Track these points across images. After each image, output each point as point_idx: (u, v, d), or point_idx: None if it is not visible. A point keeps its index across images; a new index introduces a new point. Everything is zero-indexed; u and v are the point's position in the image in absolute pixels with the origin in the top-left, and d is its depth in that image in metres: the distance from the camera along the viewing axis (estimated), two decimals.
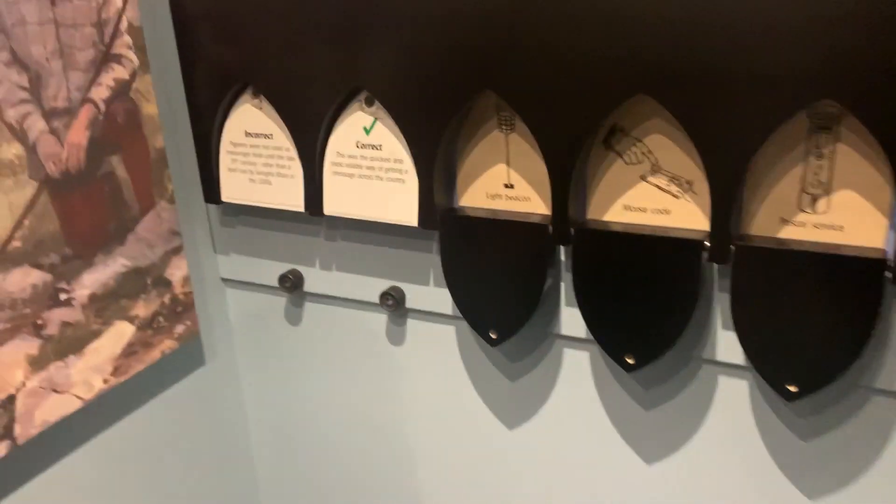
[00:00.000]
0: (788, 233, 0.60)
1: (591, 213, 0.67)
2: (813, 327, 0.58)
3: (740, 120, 0.55)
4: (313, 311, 0.87)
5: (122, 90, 0.71)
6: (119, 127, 0.71)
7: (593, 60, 0.58)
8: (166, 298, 0.79)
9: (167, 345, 0.80)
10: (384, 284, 0.79)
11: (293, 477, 0.98)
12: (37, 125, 0.63)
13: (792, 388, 0.60)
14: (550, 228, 0.65)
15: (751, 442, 0.68)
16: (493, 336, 0.71)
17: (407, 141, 0.69)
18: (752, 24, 0.52)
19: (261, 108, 0.76)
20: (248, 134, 0.77)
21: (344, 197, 0.74)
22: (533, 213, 0.68)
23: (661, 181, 0.64)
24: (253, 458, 0.99)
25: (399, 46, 0.65)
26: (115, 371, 0.74)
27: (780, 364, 0.60)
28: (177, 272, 0.80)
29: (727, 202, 0.58)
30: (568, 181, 0.63)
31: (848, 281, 0.56)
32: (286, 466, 0.98)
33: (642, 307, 0.64)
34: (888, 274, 0.55)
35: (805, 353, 0.59)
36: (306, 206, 0.76)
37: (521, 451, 0.80)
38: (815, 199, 0.59)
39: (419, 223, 0.70)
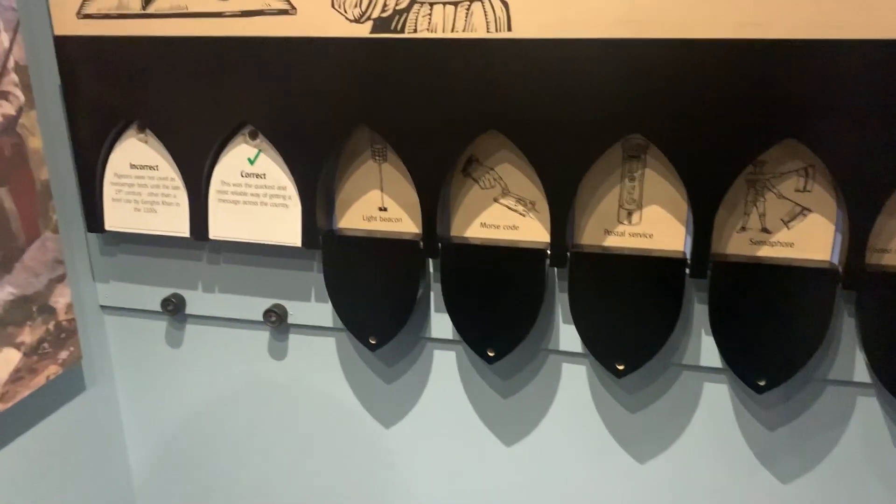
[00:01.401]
0: (611, 241, 0.74)
1: (455, 231, 0.78)
2: (634, 315, 0.72)
3: (569, 151, 0.69)
4: (196, 332, 0.91)
5: (8, 125, 0.74)
6: (6, 160, 0.74)
7: (453, 102, 0.70)
8: (51, 325, 0.81)
9: (52, 370, 0.82)
10: (267, 303, 0.86)
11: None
12: None
13: (620, 367, 0.74)
14: (421, 244, 0.76)
15: (591, 414, 0.81)
16: (373, 342, 0.80)
17: (290, 170, 0.77)
18: (576, 76, 0.66)
19: (146, 142, 0.81)
20: (133, 166, 0.82)
21: (229, 222, 0.81)
22: (405, 232, 0.79)
23: (510, 202, 0.76)
24: (132, 483, 1.01)
25: (280, 85, 0.74)
26: (3, 397, 0.75)
27: (610, 348, 0.74)
28: (61, 300, 0.82)
29: (562, 218, 0.72)
30: (435, 204, 0.74)
31: (657, 277, 0.71)
32: (166, 493, 1.00)
33: (499, 308, 0.76)
34: (687, 270, 0.71)
35: (630, 336, 0.73)
36: (191, 232, 0.82)
37: (403, 446, 0.89)
38: (630, 213, 0.74)
39: (303, 244, 0.79)
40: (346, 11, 0.70)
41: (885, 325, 0.67)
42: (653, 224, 0.73)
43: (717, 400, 0.77)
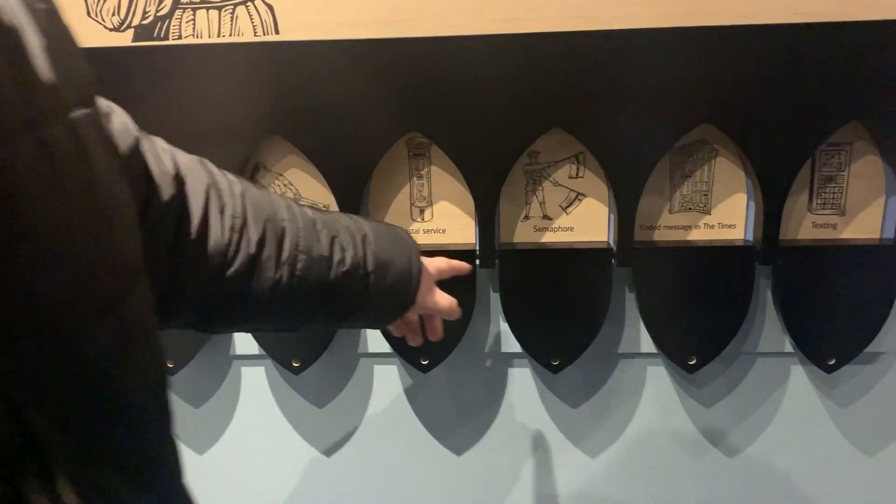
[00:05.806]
0: None
1: None
2: None
3: (352, 152, 0.69)
4: None
5: None
6: None
7: (229, 108, 0.68)
8: None
9: None
10: None
11: None
12: None
13: (424, 362, 0.75)
14: None
15: (405, 411, 0.82)
16: (171, 365, 0.77)
17: None
18: (348, 77, 0.66)
19: None
20: None
21: None
22: None
23: None
24: None
25: None
26: None
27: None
28: None
29: None
30: None
31: None
32: None
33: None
34: (477, 260, 0.72)
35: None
36: None
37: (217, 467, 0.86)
38: (422, 211, 0.75)
39: None
40: (104, 20, 0.66)
41: (657, 297, 0.72)
42: (445, 219, 0.75)
43: (521, 384, 0.80)
